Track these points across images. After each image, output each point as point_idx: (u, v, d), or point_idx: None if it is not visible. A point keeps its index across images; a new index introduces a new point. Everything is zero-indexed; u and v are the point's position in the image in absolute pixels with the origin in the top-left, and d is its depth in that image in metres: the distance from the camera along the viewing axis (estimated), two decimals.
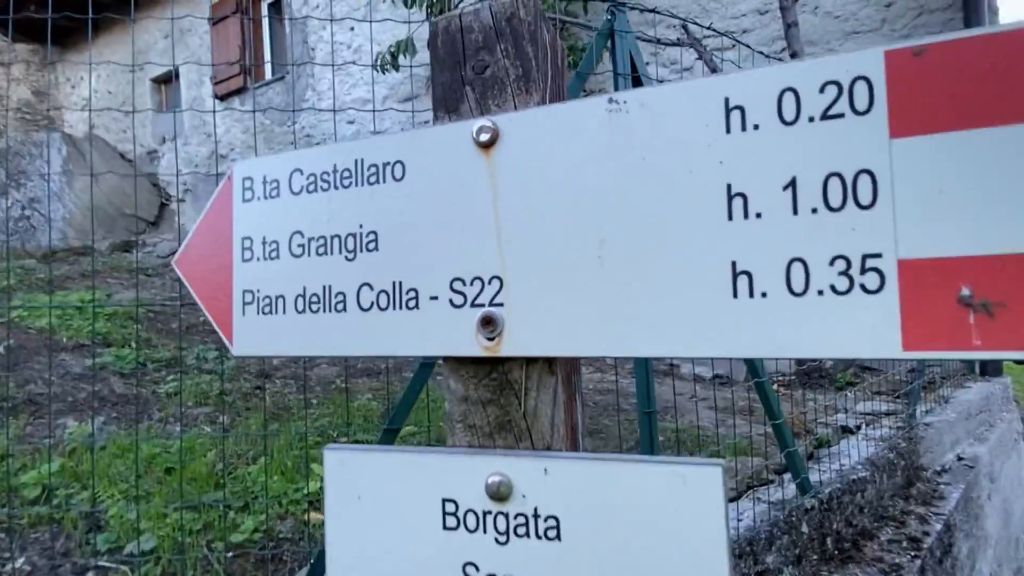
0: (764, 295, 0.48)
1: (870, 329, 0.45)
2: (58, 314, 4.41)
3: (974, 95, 0.43)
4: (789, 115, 0.47)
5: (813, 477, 2.45)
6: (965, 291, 0.43)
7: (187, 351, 4.09)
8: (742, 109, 0.49)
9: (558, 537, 0.54)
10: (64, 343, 4.00)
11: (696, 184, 0.50)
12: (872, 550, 2.38)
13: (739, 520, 2.09)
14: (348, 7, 7.44)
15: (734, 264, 0.49)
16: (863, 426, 3.23)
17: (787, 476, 2.49)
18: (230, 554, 1.89)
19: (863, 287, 0.45)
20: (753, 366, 2.12)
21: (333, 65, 1.65)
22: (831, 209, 0.46)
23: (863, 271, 0.45)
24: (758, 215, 0.48)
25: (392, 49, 5.26)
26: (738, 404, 4.06)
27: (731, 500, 2.33)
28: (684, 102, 0.51)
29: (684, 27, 3.70)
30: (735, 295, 0.49)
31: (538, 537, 0.55)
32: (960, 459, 3.32)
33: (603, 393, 4.00)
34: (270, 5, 8.52)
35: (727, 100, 0.49)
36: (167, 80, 9.57)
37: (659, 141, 0.51)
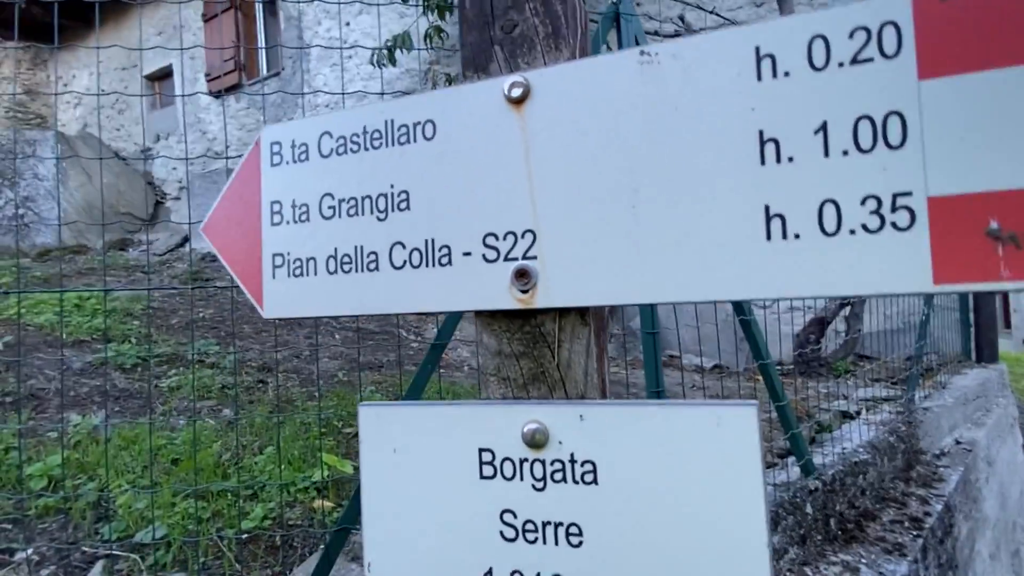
0: (797, 236, 0.49)
1: (901, 265, 0.46)
2: (57, 311, 4.38)
3: (1000, 35, 0.44)
4: (819, 61, 0.49)
5: (816, 460, 2.48)
6: (993, 224, 0.44)
7: (188, 346, 4.08)
8: (772, 57, 0.50)
9: (595, 481, 0.56)
10: (64, 339, 3.98)
11: (729, 131, 0.51)
12: (875, 530, 2.41)
13: None
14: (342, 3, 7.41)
15: (767, 208, 0.50)
16: (863, 411, 3.27)
17: (790, 460, 2.52)
18: (244, 536, 1.90)
19: (894, 225, 0.47)
20: (757, 348, 2.15)
21: (340, 49, 1.65)
22: (862, 151, 0.48)
23: (894, 209, 0.47)
24: (790, 159, 0.50)
25: (389, 43, 5.25)
26: (738, 393, 4.09)
27: None
28: (715, 52, 0.52)
29: (681, 17, 3.72)
30: (768, 238, 0.50)
31: (575, 482, 0.56)
32: (958, 443, 3.36)
33: (612, 385, 4.01)
34: (264, 1, 8.47)
35: (758, 49, 0.51)
36: (161, 77, 9.51)
37: (691, 91, 0.53)
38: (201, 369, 3.81)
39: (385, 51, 5.32)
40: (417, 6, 5.17)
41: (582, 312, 0.60)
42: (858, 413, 3.24)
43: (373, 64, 4.94)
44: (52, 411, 2.96)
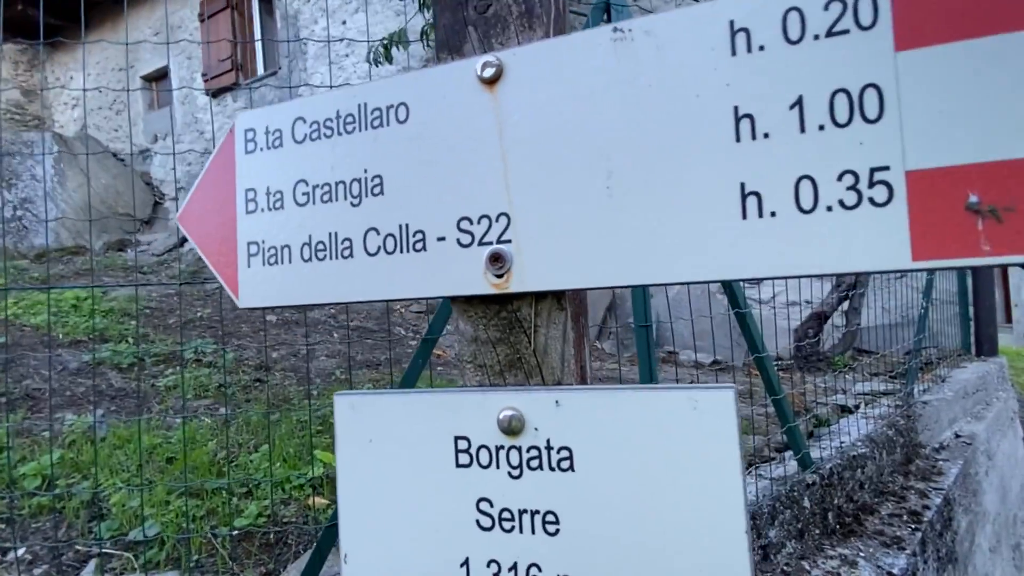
0: (773, 214, 0.48)
1: (879, 242, 0.45)
2: (53, 311, 4.38)
3: (976, 4, 0.43)
4: (794, 34, 0.48)
5: (814, 454, 2.47)
6: (973, 198, 0.43)
7: (185, 345, 4.07)
8: (747, 31, 0.49)
9: (572, 468, 0.55)
10: (60, 339, 3.98)
11: (703, 108, 0.50)
12: (873, 524, 2.40)
13: None
14: (340, 0, 7.39)
15: (743, 185, 0.49)
16: (862, 405, 3.26)
17: (788, 454, 2.50)
18: (234, 532, 1.89)
19: (872, 200, 0.45)
20: (753, 342, 2.13)
21: (328, 42, 1.64)
22: (838, 125, 0.46)
23: (871, 184, 0.45)
24: (766, 135, 0.48)
25: (385, 41, 5.23)
26: (738, 388, 4.08)
27: None
28: (689, 27, 0.51)
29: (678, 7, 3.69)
30: (744, 216, 0.49)
31: (551, 469, 0.55)
32: (958, 436, 3.35)
33: (604, 381, 4.01)
34: (261, 0, 8.46)
35: (732, 23, 0.49)
36: (158, 78, 9.50)
37: (665, 67, 0.51)
38: (198, 368, 3.80)
39: (381, 48, 5.31)
40: (414, 2, 5.16)
41: (558, 296, 0.59)
42: (857, 407, 3.23)
43: (370, 62, 4.93)
44: (48, 411, 2.95)
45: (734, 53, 0.49)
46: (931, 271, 4.22)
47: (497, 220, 0.58)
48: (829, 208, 0.46)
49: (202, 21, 8.55)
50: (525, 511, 0.56)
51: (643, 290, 1.65)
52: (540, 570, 0.55)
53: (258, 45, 8.44)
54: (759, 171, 0.48)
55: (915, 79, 0.44)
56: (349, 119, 0.65)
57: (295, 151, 0.68)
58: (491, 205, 0.58)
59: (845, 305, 4.35)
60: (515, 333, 0.60)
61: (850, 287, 4.22)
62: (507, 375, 0.60)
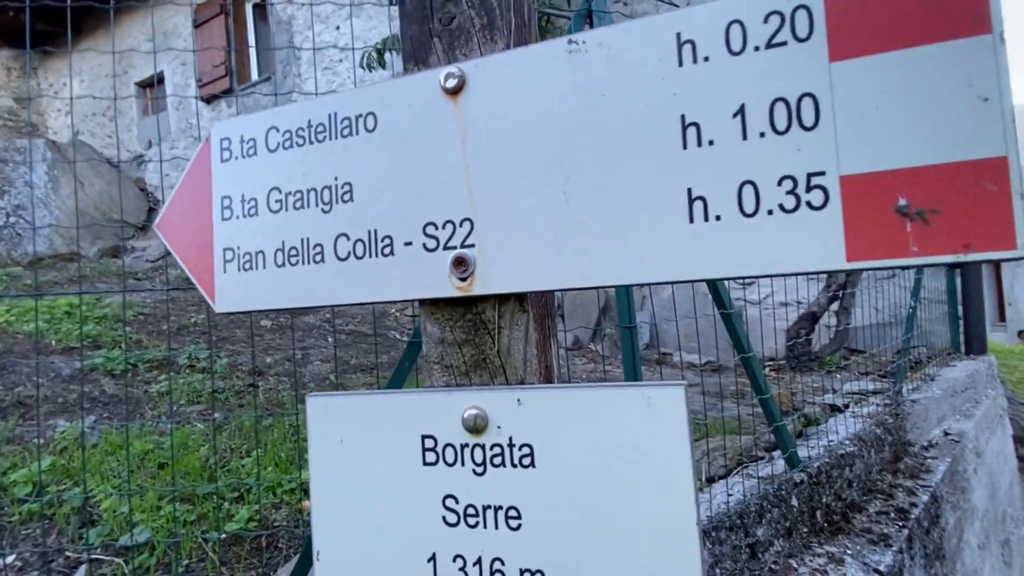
0: (718, 218, 0.50)
1: (816, 243, 0.47)
2: (46, 318, 4.38)
3: (905, 16, 0.45)
4: (736, 46, 0.50)
5: (802, 453, 2.49)
6: (902, 201, 0.45)
7: (178, 351, 4.08)
8: (693, 43, 0.51)
9: (532, 464, 0.57)
10: (53, 346, 3.97)
11: (652, 117, 0.52)
12: (861, 522, 2.42)
13: (729, 495, 2.12)
14: (334, 6, 7.42)
15: (689, 191, 0.51)
16: (851, 404, 3.28)
17: (777, 453, 2.53)
18: (222, 536, 1.90)
19: (809, 204, 0.48)
20: (739, 342, 2.15)
21: (313, 50, 1.66)
22: (777, 132, 0.49)
23: (808, 189, 0.48)
24: (711, 142, 0.51)
25: (378, 46, 5.26)
26: (729, 389, 4.11)
27: (722, 476, 2.37)
28: (639, 39, 0.53)
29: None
30: (691, 220, 0.51)
31: (513, 465, 0.57)
32: (947, 434, 3.38)
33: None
34: (255, 6, 8.49)
35: (679, 35, 0.52)
36: (152, 84, 9.50)
37: (617, 77, 0.54)
38: (192, 373, 3.81)
39: (374, 54, 5.33)
40: None
41: (520, 299, 0.61)
42: (846, 406, 3.25)
43: (363, 67, 4.95)
44: (40, 417, 2.95)
45: (681, 64, 0.52)
46: (857, 272, 4.26)
47: (461, 225, 0.60)
48: (770, 212, 0.49)
49: (196, 27, 8.57)
50: (489, 507, 0.58)
51: (627, 292, 1.67)
52: (503, 564, 0.57)
53: (252, 51, 8.46)
54: (705, 177, 0.51)
55: (848, 88, 0.47)
56: (320, 128, 0.67)
57: (269, 159, 0.70)
58: (455, 210, 0.60)
59: (836, 305, 4.38)
60: (480, 335, 0.62)
61: (840, 287, 4.26)
62: (472, 375, 0.62)
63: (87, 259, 7.40)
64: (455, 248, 0.60)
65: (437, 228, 0.61)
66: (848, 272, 3.96)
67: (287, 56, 7.86)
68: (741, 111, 0.50)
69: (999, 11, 0.43)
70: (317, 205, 0.67)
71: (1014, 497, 4.06)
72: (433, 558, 0.60)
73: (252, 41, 8.51)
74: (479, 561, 0.58)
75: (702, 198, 0.51)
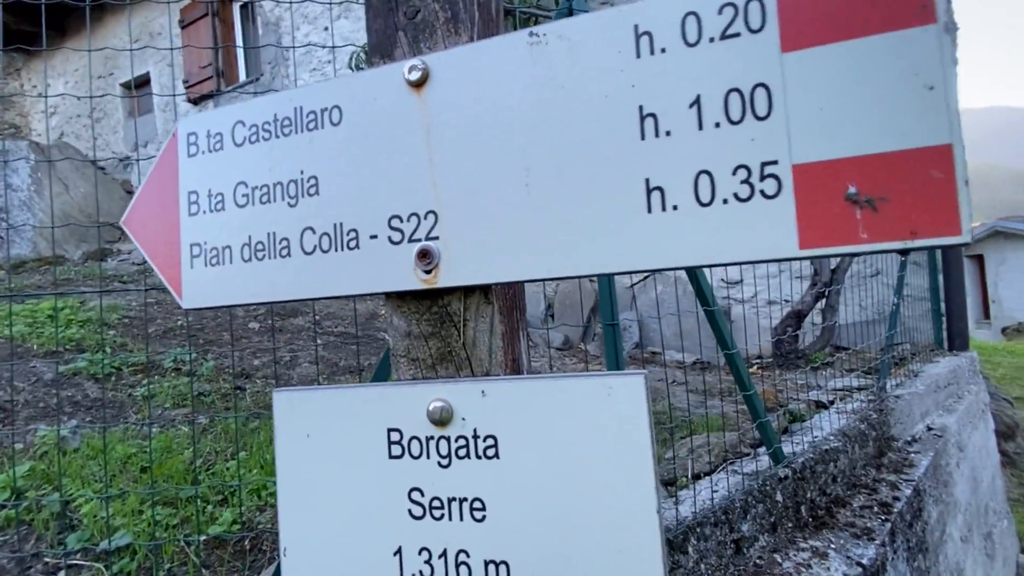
0: (676, 208, 0.51)
1: (770, 232, 0.48)
2: (28, 322, 4.31)
3: (852, 8, 0.46)
4: (692, 37, 0.50)
5: (788, 449, 2.51)
6: (852, 189, 0.46)
7: (164, 354, 4.03)
8: (650, 34, 0.52)
9: (497, 455, 0.57)
10: (35, 350, 3.91)
11: (611, 108, 0.53)
12: (845, 516, 2.44)
13: (714, 491, 2.13)
14: (321, 6, 7.39)
15: (647, 181, 0.52)
16: (836, 401, 3.32)
17: (762, 449, 2.55)
18: (203, 538, 1.88)
19: (763, 193, 0.48)
20: (723, 339, 2.17)
21: (293, 48, 1.65)
22: (732, 122, 0.49)
23: (762, 178, 0.48)
24: (668, 133, 0.51)
25: (366, 47, 5.23)
26: (716, 387, 4.13)
27: (707, 473, 2.38)
28: (598, 31, 0.53)
29: None
30: (649, 210, 0.51)
31: (478, 457, 0.57)
32: (929, 429, 3.42)
33: None
34: (242, 7, 8.43)
35: (636, 27, 0.52)
36: (138, 85, 9.40)
37: (576, 69, 0.54)
38: (177, 377, 3.76)
39: (362, 54, 5.32)
40: None
41: (485, 291, 0.61)
42: (831, 403, 3.29)
43: (352, 68, 4.93)
44: (20, 422, 2.90)
45: (639, 55, 0.52)
46: (842, 270, 4.31)
47: (426, 218, 0.60)
48: (725, 201, 0.49)
49: (183, 28, 8.49)
50: (454, 499, 0.58)
51: (610, 290, 1.68)
52: (468, 556, 0.57)
53: (240, 52, 8.40)
54: (662, 167, 0.51)
55: (799, 78, 0.47)
56: (286, 122, 0.67)
57: (235, 154, 0.70)
58: (420, 203, 0.60)
59: (822, 303, 4.43)
60: (446, 327, 0.62)
61: (826, 285, 4.30)
62: (439, 368, 0.62)
63: (72, 262, 7.29)
64: (420, 241, 0.60)
65: (402, 221, 0.61)
66: (833, 270, 3.98)
67: (275, 57, 7.82)
68: (697, 102, 0.50)
69: (944, 0, 0.44)
70: (283, 199, 0.66)
71: (996, 490, 4.12)
72: (399, 551, 0.60)
73: (240, 42, 8.45)
74: (444, 554, 0.58)
75: (660, 188, 0.51)
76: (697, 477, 2.34)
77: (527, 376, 0.57)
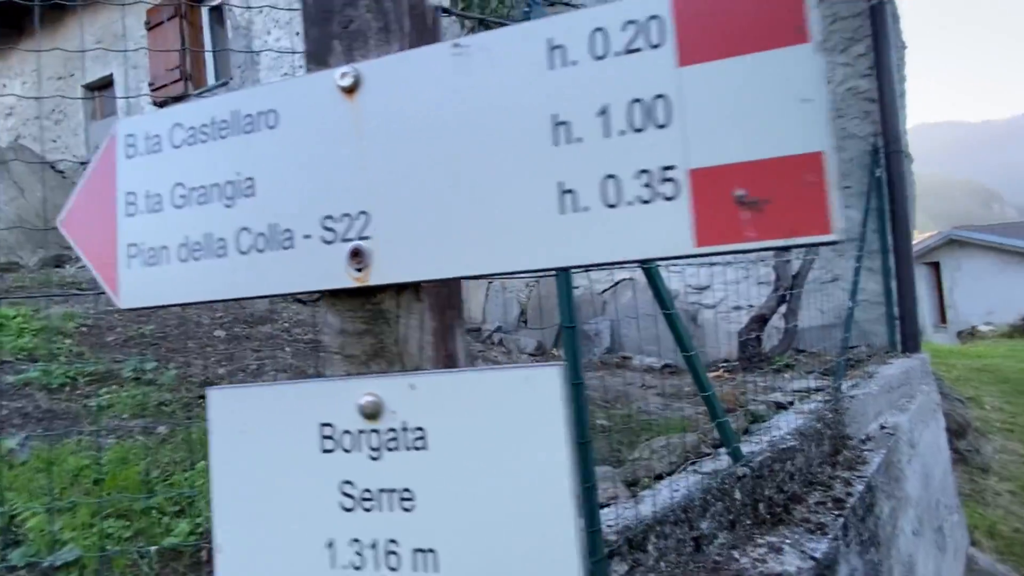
0: (586, 209, 0.54)
1: (669, 230, 0.52)
2: None
3: (739, 28, 0.51)
4: (600, 51, 0.54)
5: (747, 448, 2.59)
6: (739, 192, 0.50)
7: (123, 364, 3.90)
8: (563, 48, 0.55)
9: (425, 447, 0.59)
10: None
11: (527, 116, 0.56)
12: (801, 512, 2.53)
13: (675, 491, 2.18)
14: (291, 13, 7.34)
15: (560, 184, 0.55)
16: (795, 401, 3.43)
17: (723, 449, 2.62)
18: (154, 548, 1.83)
19: (663, 195, 0.52)
20: (682, 342, 2.24)
21: (260, 52, 1.65)
22: (635, 130, 0.53)
23: (662, 181, 0.52)
24: (579, 140, 0.55)
25: None
26: (684, 390, 4.23)
27: (669, 473, 2.44)
28: (516, 43, 0.57)
29: None
30: (562, 212, 0.55)
31: (407, 449, 0.59)
32: (883, 428, 3.57)
33: None
34: (211, 9, 8.30)
35: (550, 40, 0.56)
36: (101, 87, 9.14)
37: (496, 79, 0.57)
38: (138, 386, 3.65)
39: None
40: None
41: (416, 289, 0.64)
42: (791, 403, 3.40)
43: None
44: None
45: (552, 67, 0.56)
46: (803, 275, 4.49)
47: (357, 218, 0.62)
48: (630, 203, 0.53)
49: (149, 30, 8.32)
50: (384, 490, 0.60)
51: (568, 292, 1.72)
52: (398, 545, 0.59)
53: (208, 55, 8.26)
54: (574, 171, 0.55)
55: (694, 90, 0.52)
56: (223, 124, 0.68)
57: (173, 155, 0.71)
58: (352, 204, 0.62)
59: (783, 307, 4.58)
60: (379, 324, 0.64)
61: (787, 289, 4.46)
62: (372, 364, 0.64)
63: (27, 269, 7.00)
64: (352, 240, 0.62)
65: (335, 221, 0.63)
66: (795, 275, 4.11)
67: (245, 61, 7.71)
68: (605, 110, 0.54)
69: (817, 22, 0.49)
70: (220, 200, 0.68)
71: (947, 486, 4.31)
72: (331, 544, 0.61)
73: (209, 45, 8.31)
74: (375, 544, 0.60)
75: (572, 191, 0.55)
76: (659, 477, 2.39)
77: (453, 370, 0.60)
